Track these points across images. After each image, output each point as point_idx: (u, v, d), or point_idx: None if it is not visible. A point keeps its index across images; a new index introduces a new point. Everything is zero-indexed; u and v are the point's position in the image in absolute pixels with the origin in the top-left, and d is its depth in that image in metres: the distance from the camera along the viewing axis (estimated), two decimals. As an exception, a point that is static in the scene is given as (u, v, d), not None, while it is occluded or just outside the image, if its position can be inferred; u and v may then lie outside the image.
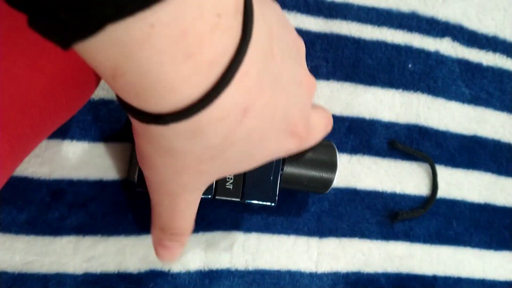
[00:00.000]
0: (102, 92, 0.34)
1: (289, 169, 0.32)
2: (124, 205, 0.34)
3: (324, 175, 0.33)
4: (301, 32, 0.39)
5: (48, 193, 0.32)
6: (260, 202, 0.31)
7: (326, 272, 0.38)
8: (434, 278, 0.41)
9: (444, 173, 0.43)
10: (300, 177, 0.32)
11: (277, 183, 0.31)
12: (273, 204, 0.31)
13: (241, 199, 0.31)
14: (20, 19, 0.19)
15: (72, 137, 0.33)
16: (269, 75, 0.18)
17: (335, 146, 0.33)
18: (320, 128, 0.25)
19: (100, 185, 0.33)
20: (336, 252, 0.39)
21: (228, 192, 0.30)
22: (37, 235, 0.32)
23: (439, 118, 0.43)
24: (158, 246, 0.26)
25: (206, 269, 0.35)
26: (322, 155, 0.33)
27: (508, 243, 0.45)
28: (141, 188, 0.28)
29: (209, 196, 0.30)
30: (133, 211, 0.34)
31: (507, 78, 0.47)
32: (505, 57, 0.47)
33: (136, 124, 0.18)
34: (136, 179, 0.29)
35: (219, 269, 0.36)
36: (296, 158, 0.32)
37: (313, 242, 0.38)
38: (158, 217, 0.25)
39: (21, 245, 0.31)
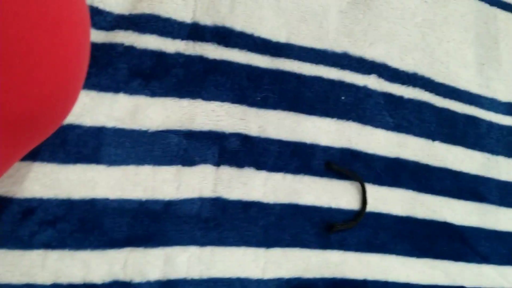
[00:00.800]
0: (70, 117, 0.38)
1: None
2: (91, 222, 0.38)
3: None
4: (251, 68, 0.45)
5: (19, 211, 0.36)
6: None
7: (271, 278, 0.44)
8: (365, 282, 0.49)
9: (372, 190, 0.50)
10: None
11: None
12: None
13: None
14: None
15: (42, 159, 0.37)
16: None
17: None
18: None
19: (68, 203, 0.37)
20: (280, 261, 0.45)
21: None
22: (9, 249, 0.35)
23: (367, 143, 0.51)
24: None
25: (165, 279, 0.40)
26: None
27: (428, 251, 0.54)
28: None
29: None
30: (99, 227, 0.38)
31: (424, 109, 0.56)
32: (423, 91, 0.56)
33: None
34: None
35: (176, 278, 0.40)
36: None
37: (261, 252, 0.44)
38: None
39: (-6, 259, 0.35)
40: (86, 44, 0.31)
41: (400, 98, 0.54)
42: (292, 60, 0.48)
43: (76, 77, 0.30)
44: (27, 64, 0.25)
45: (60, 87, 0.28)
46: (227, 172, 0.43)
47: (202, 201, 0.42)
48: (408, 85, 0.55)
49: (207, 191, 0.42)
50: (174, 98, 0.41)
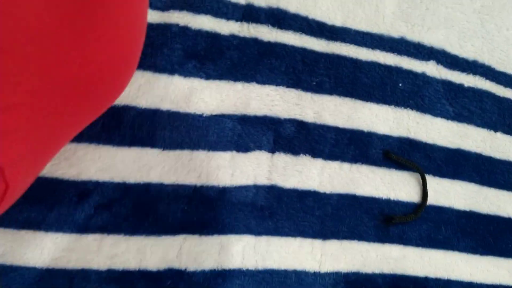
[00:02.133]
0: (126, 99, 0.37)
1: None
2: (145, 207, 0.37)
3: None
4: (306, 51, 0.43)
5: (76, 194, 0.35)
6: None
7: (328, 271, 0.42)
8: (426, 280, 0.45)
9: (432, 182, 0.47)
10: None
11: None
12: None
13: None
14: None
15: (98, 142, 0.36)
16: None
17: None
18: None
19: (123, 187, 0.36)
20: (337, 253, 0.42)
21: None
22: (65, 233, 0.34)
23: (426, 132, 0.48)
24: None
25: (220, 268, 0.38)
26: None
27: (492, 248, 0.50)
28: None
29: None
30: (154, 213, 0.37)
31: (486, 98, 0.52)
32: (484, 79, 0.53)
33: None
34: None
35: (231, 269, 0.39)
36: None
37: (317, 244, 0.42)
38: None
39: (50, 242, 0.34)
40: (144, 16, 0.30)
41: (460, 86, 0.51)
42: (348, 44, 0.46)
43: (134, 48, 0.29)
44: (92, 29, 0.24)
45: (120, 56, 0.27)
46: (282, 159, 0.41)
47: (257, 188, 0.40)
48: (468, 73, 0.52)
49: (262, 179, 0.40)
50: (229, 81, 0.40)
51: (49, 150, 0.28)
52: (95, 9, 0.24)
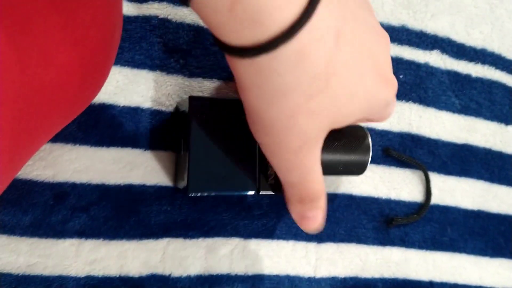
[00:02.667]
0: (103, 96, 0.36)
1: (323, 156, 0.32)
2: (126, 210, 0.35)
3: (359, 157, 0.34)
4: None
5: (51, 196, 0.34)
6: None
7: (324, 277, 0.40)
8: (431, 284, 0.43)
9: (437, 180, 0.45)
10: (335, 163, 0.34)
11: None
12: None
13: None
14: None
15: (75, 141, 0.35)
16: (348, 8, 0.22)
17: (364, 128, 0.35)
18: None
19: (102, 189, 0.35)
20: (334, 257, 0.40)
21: (271, 187, 0.33)
22: (41, 238, 0.33)
23: (430, 126, 0.46)
24: (301, 221, 0.29)
25: (206, 274, 0.37)
26: (353, 137, 0.34)
27: (503, 250, 0.48)
28: (194, 192, 0.31)
29: (253, 192, 0.33)
30: (135, 215, 0.36)
31: (495, 89, 0.50)
32: (493, 68, 0.50)
33: (243, 73, 0.20)
34: (186, 183, 0.31)
35: (219, 274, 0.37)
36: (329, 144, 0.33)
37: (312, 247, 0.40)
38: (291, 189, 0.27)
39: (25, 247, 0.33)
40: (119, 9, 0.29)
41: (467, 77, 0.49)
42: (343, 34, 0.44)
43: (108, 47, 0.28)
44: (54, 23, 0.22)
45: (92, 56, 0.26)
46: (273, 157, 0.40)
47: (246, 189, 0.39)
48: (476, 62, 0.50)
49: (251, 178, 0.39)
50: (212, 78, 0.38)
51: (21, 156, 0.27)
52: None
